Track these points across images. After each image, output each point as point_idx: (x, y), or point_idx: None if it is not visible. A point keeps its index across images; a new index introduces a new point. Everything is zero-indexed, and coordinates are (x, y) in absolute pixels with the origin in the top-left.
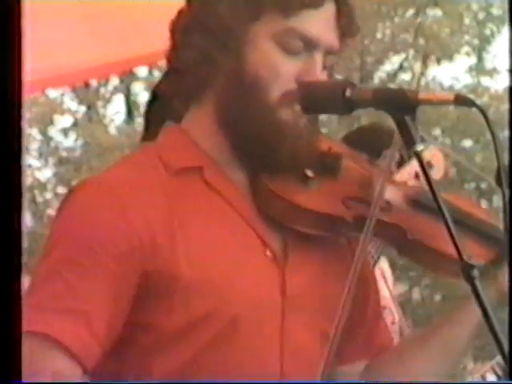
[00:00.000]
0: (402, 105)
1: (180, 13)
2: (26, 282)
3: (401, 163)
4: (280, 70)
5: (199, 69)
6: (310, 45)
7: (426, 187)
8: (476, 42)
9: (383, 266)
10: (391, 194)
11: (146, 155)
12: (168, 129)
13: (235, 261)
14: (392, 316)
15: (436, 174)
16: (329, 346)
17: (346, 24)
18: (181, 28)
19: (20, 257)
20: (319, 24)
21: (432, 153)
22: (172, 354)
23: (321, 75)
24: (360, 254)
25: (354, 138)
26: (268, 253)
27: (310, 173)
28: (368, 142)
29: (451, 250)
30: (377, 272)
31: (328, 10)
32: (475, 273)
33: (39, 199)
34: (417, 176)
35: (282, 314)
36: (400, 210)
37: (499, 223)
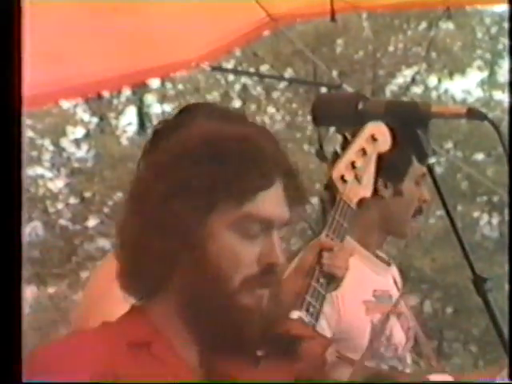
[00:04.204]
0: (414, 118)
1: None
2: (42, 290)
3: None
4: (241, 258)
5: (160, 269)
6: (266, 225)
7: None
8: (488, 56)
9: (394, 272)
10: None
11: (105, 330)
12: (132, 308)
13: None
14: (407, 321)
15: (382, 146)
16: None
17: (295, 196)
18: (134, 231)
19: (20, 264)
20: (272, 203)
21: (375, 126)
22: None
23: (281, 254)
24: None
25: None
26: None
27: (259, 352)
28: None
29: None
30: (390, 279)
31: (277, 187)
32: (487, 286)
33: (51, 209)
34: (364, 153)
35: None
36: None
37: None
